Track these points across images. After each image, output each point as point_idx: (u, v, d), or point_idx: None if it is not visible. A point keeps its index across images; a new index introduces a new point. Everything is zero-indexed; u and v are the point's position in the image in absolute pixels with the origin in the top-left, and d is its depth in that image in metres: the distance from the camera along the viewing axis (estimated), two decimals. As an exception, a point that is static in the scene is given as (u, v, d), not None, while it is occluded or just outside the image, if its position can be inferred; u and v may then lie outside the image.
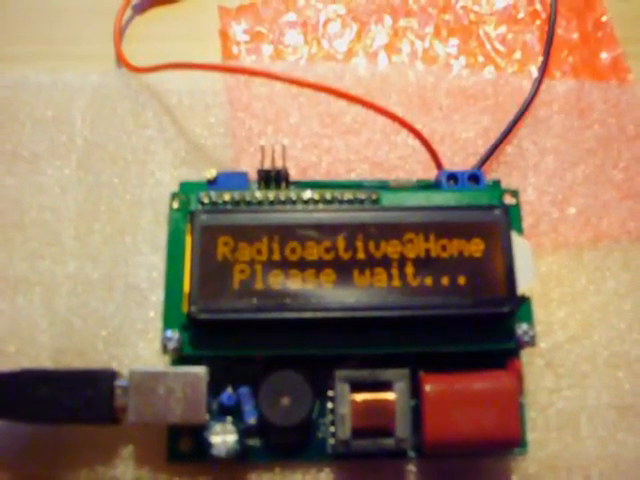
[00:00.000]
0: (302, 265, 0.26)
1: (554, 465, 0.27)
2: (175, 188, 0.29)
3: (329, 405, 0.27)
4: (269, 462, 0.27)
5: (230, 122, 0.32)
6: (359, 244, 0.26)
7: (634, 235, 0.31)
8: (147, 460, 0.27)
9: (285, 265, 0.26)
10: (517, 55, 0.34)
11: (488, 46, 0.34)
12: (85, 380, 0.26)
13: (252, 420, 0.26)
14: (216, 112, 0.32)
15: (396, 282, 0.26)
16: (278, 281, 0.26)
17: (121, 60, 0.33)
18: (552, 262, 0.30)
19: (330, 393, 0.26)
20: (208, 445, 0.25)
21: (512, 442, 0.26)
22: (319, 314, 0.25)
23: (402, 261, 0.26)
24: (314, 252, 0.26)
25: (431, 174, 0.30)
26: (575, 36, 0.35)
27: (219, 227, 0.26)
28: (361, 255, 0.26)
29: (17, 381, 0.26)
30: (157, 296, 0.29)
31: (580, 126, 0.32)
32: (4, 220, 0.30)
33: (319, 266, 0.26)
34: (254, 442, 0.27)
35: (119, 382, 0.26)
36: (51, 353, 0.28)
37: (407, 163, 0.31)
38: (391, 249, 0.26)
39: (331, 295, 0.26)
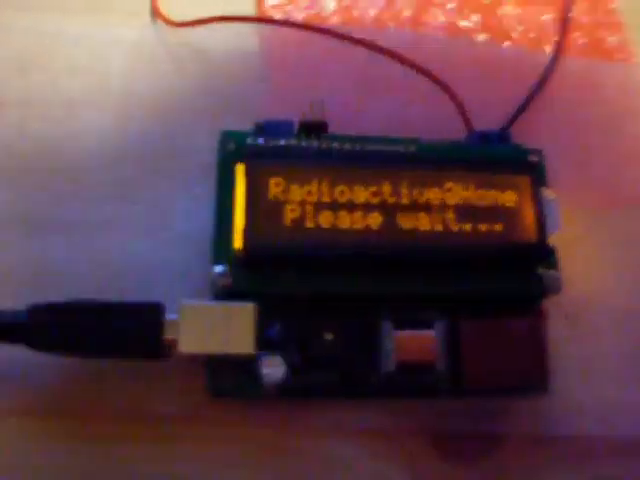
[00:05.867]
0: (350, 207, 0.27)
1: (578, 408, 0.29)
2: (216, 137, 0.29)
3: (372, 343, 0.28)
4: (311, 399, 0.28)
5: (268, 77, 0.33)
6: (404, 190, 0.28)
7: (654, 198, 0.33)
8: (191, 396, 0.27)
9: (334, 206, 0.27)
10: (532, 34, 0.36)
11: (506, 25, 0.36)
12: (133, 313, 0.26)
13: (296, 356, 0.27)
14: (254, 66, 0.33)
15: (438, 227, 0.27)
16: (328, 221, 0.27)
17: (157, 15, 0.34)
18: (573, 222, 0.32)
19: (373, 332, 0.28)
20: (257, 377, 0.26)
21: (539, 384, 0.28)
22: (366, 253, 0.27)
23: (443, 208, 0.28)
24: (361, 195, 0.27)
25: (460, 136, 0.32)
26: (586, 20, 0.37)
27: (270, 169, 0.27)
28: (405, 200, 0.27)
29: (64, 311, 0.26)
30: (199, 238, 0.29)
31: (593, 100, 0.35)
32: (41, 164, 0.30)
33: (366, 209, 0.27)
34: (297, 379, 0.27)
35: (168, 316, 0.26)
36: (91, 293, 0.28)
37: (438, 124, 0.33)
38: (433, 196, 0.28)
39: (377, 236, 0.27)
